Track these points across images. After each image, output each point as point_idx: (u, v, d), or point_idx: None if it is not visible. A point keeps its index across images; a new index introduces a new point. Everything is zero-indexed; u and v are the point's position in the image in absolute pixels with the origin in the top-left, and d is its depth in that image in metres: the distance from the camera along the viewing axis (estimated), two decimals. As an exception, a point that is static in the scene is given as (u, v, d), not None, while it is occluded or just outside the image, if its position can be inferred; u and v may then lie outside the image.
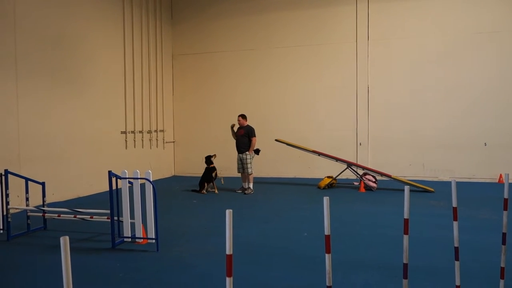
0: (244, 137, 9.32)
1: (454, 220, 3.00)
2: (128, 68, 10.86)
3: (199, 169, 12.73)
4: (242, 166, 9.31)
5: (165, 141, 12.54)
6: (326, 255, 2.26)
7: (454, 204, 3.01)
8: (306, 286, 3.91)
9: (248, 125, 9.46)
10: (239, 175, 9.84)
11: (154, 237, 5.06)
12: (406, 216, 2.62)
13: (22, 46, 7.81)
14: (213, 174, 9.46)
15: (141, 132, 11.40)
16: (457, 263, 3.04)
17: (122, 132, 10.72)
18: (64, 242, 1.49)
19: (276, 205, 7.96)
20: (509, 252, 4.42)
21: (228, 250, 1.91)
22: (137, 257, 4.85)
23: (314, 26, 11.66)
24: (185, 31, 12.85)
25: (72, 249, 5.24)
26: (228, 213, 1.90)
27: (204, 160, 9.69)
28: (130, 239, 5.29)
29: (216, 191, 9.37)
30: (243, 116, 9.52)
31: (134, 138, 11.11)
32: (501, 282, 3.40)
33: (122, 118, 10.72)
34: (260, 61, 12.19)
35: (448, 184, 9.39)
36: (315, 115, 11.70)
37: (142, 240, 5.27)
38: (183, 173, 12.90)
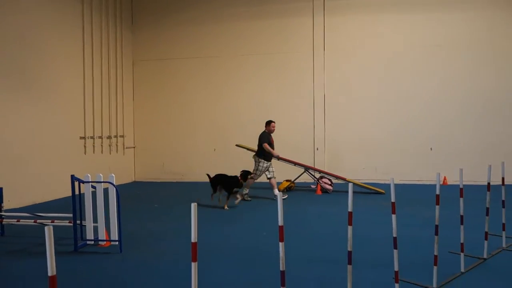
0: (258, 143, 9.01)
1: (392, 213, 3.40)
2: (87, 73, 10.79)
3: (159, 175, 12.82)
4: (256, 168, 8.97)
5: (125, 147, 12.50)
6: (280, 243, 2.56)
7: (393, 199, 3.41)
8: (267, 279, 4.20)
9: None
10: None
11: (117, 239, 5.18)
12: (350, 209, 2.97)
13: (-23, 49, 7.66)
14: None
15: (100, 137, 11.32)
16: (395, 251, 3.44)
17: (81, 138, 10.62)
18: (49, 232, 1.69)
19: (237, 208, 8.21)
20: (444, 243, 4.95)
21: (194, 238, 2.17)
22: (101, 259, 4.96)
23: (273, 35, 12.09)
24: (146, 37, 12.91)
25: (33, 254, 5.30)
26: (194, 205, 2.16)
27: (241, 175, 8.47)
28: (93, 242, 5.38)
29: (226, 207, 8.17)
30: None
31: (94, 143, 11.03)
32: (435, 268, 3.85)
33: (81, 123, 10.63)
34: (219, 68, 12.46)
35: (398, 186, 10.02)
36: (274, 121, 12.07)
37: (105, 242, 5.37)
38: (143, 178, 12.90)
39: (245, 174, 8.42)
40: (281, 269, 2.58)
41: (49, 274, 1.72)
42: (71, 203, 5.19)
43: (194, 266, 2.16)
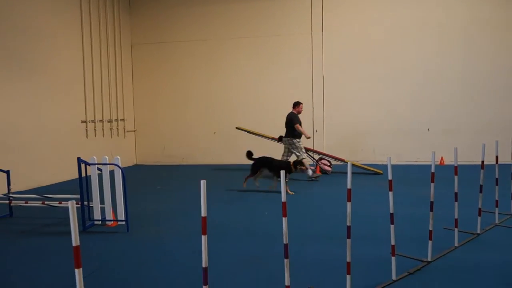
0: (286, 124, 9.18)
1: (389, 190, 3.56)
2: (86, 58, 10.83)
3: (160, 158, 12.98)
4: (293, 150, 9.11)
5: (125, 130, 12.61)
6: (283, 218, 2.72)
7: (390, 177, 3.56)
8: (267, 253, 4.39)
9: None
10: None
11: (124, 219, 5.36)
12: (349, 186, 3.13)
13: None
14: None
15: (101, 121, 11.43)
16: (392, 227, 3.61)
17: (82, 122, 10.73)
18: (72, 207, 1.83)
19: (239, 188, 8.39)
20: (439, 220, 5.15)
21: (203, 213, 2.32)
22: (109, 238, 5.14)
23: (271, 17, 12.08)
24: (144, 20, 12.88)
25: (42, 233, 5.48)
26: (202, 182, 2.30)
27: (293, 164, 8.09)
28: (100, 222, 5.55)
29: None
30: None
31: (95, 127, 11.13)
32: (429, 242, 4.04)
33: (82, 108, 10.72)
34: (218, 50, 12.47)
35: (396, 167, 10.21)
36: (273, 104, 12.18)
37: (112, 222, 5.55)
38: (144, 162, 13.06)
39: (296, 163, 7.98)
40: (284, 242, 2.75)
41: (74, 244, 1.87)
42: (74, 186, 5.38)
43: (204, 238, 2.31)
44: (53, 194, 6.90)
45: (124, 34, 12.55)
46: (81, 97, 10.70)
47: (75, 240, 1.86)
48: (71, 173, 9.73)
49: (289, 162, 8.14)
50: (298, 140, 9.09)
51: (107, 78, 11.67)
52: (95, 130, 11.13)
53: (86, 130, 10.82)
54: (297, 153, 9.04)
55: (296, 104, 9.31)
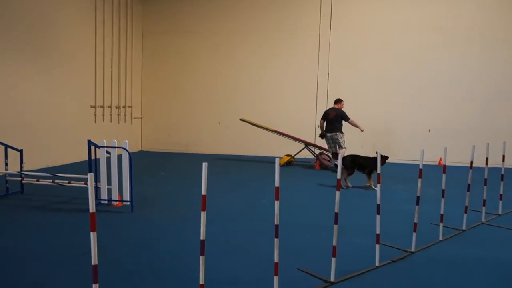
0: (334, 120, 9.64)
1: (378, 183, 3.83)
2: (98, 44, 11.11)
3: (165, 145, 13.30)
4: (335, 144, 9.68)
5: (132, 117, 12.92)
6: (275, 201, 3.00)
7: (378, 171, 3.84)
8: (264, 239, 4.68)
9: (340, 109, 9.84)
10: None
11: (129, 199, 5.67)
12: (338, 177, 3.40)
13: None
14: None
15: (109, 107, 11.74)
16: (378, 217, 3.89)
17: (91, 106, 11.04)
18: (90, 177, 2.12)
19: (240, 178, 8.69)
20: (428, 216, 5.42)
21: (204, 191, 2.60)
22: (114, 217, 5.46)
23: (279, 11, 12.28)
24: (156, 9, 13.13)
25: (51, 210, 5.81)
26: (204, 165, 2.59)
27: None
28: (106, 202, 5.87)
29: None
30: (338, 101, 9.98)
31: (103, 112, 11.45)
32: (414, 234, 4.32)
33: (92, 93, 11.03)
34: (225, 42, 12.71)
35: (395, 165, 10.47)
36: (278, 97, 12.45)
37: (117, 202, 5.87)
38: (149, 148, 13.38)
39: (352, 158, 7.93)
40: (275, 223, 3.03)
41: (90, 211, 2.16)
42: (81, 167, 5.67)
43: (203, 215, 2.60)
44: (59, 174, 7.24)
45: (136, 22, 12.82)
46: (92, 82, 11.01)
47: (92, 207, 2.15)
48: (79, 155, 10.09)
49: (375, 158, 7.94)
50: (343, 134, 9.74)
51: (117, 64, 11.96)
52: (103, 115, 11.45)
53: (95, 115, 11.14)
54: (344, 146, 9.65)
55: (339, 101, 9.95)
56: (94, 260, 2.16)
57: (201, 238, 2.63)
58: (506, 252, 4.46)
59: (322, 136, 9.90)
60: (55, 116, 9.68)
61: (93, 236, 2.16)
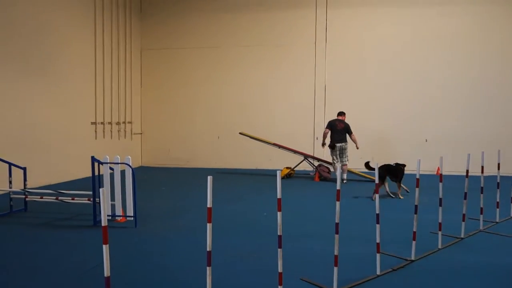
0: (344, 131, 9.99)
1: (375, 192, 3.93)
2: (98, 61, 11.30)
3: (165, 160, 13.39)
4: (341, 155, 9.96)
5: (133, 133, 13.05)
6: (278, 213, 3.10)
7: (377, 181, 3.94)
8: (266, 250, 4.76)
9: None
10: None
11: (132, 215, 5.75)
12: (338, 187, 3.51)
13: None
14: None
15: (110, 123, 11.87)
16: (378, 226, 3.99)
17: (92, 123, 11.17)
18: (102, 192, 2.23)
19: (241, 190, 8.77)
20: (427, 225, 5.52)
21: (209, 204, 2.71)
22: (118, 232, 5.53)
23: (276, 26, 12.54)
24: (154, 26, 13.37)
25: (55, 226, 5.88)
26: (209, 178, 2.69)
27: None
28: (110, 217, 5.95)
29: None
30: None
31: (104, 129, 11.58)
32: (413, 243, 4.41)
33: (92, 110, 11.17)
34: (224, 57, 12.93)
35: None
36: (277, 111, 12.61)
37: (121, 218, 5.94)
38: (150, 163, 13.47)
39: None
40: (278, 233, 3.13)
41: (103, 224, 2.26)
42: (83, 184, 5.76)
43: (209, 226, 2.70)
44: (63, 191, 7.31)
45: (135, 39, 13.04)
46: (92, 99, 11.15)
47: (104, 221, 2.25)
48: (81, 172, 10.19)
49: (403, 165, 8.15)
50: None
51: (116, 81, 12.13)
52: (103, 131, 11.57)
53: (95, 131, 11.26)
54: (348, 157, 10.02)
55: (343, 113, 10.29)
56: (106, 272, 2.26)
57: (208, 249, 2.73)
58: (505, 259, 4.54)
59: (331, 146, 10.02)
60: (56, 133, 9.79)
61: (105, 248, 2.26)
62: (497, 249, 4.92)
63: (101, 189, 2.22)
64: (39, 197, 6.43)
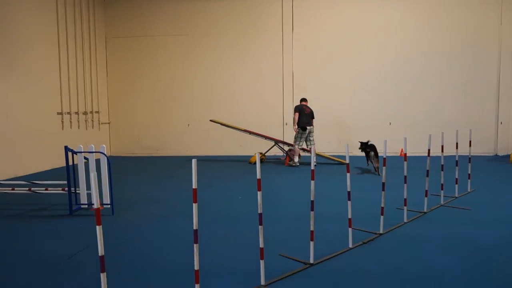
0: (310, 115, 10.42)
1: (347, 172, 4.19)
2: (62, 51, 11.00)
3: (134, 149, 13.29)
4: (308, 138, 10.34)
5: (100, 122, 12.84)
6: (258, 192, 3.28)
7: (347, 161, 4.20)
8: (245, 232, 4.95)
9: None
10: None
11: (109, 202, 5.78)
12: (312, 167, 3.72)
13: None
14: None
15: (76, 113, 11.63)
16: (349, 203, 4.26)
17: (58, 113, 10.91)
18: (94, 176, 2.32)
19: (213, 176, 8.90)
20: (394, 202, 5.88)
21: (194, 185, 2.85)
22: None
23: (244, 14, 12.60)
24: (119, 14, 13.09)
25: (31, 217, 5.83)
26: (194, 161, 2.83)
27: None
28: (86, 206, 5.95)
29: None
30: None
31: (70, 119, 11.34)
32: (381, 218, 4.73)
33: (58, 100, 10.90)
34: (191, 46, 12.88)
35: (360, 158, 10.99)
36: (247, 98, 12.75)
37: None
38: (119, 153, 13.32)
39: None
40: (259, 211, 3.32)
41: (95, 207, 2.36)
42: (54, 174, 5.74)
43: (195, 206, 2.84)
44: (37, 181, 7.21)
45: (99, 27, 12.74)
46: (57, 89, 10.88)
47: (96, 203, 2.35)
48: (50, 163, 10.03)
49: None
50: None
51: (82, 71, 11.86)
52: (70, 121, 11.33)
53: (62, 121, 11.01)
54: (313, 141, 10.41)
55: (306, 100, 10.67)
56: (100, 251, 2.37)
57: (194, 228, 2.88)
58: (464, 229, 4.95)
59: (303, 128, 10.28)
60: (22, 125, 9.53)
61: (99, 229, 2.37)
62: (455, 221, 5.34)
63: (91, 174, 2.31)
64: (10, 188, 6.32)
